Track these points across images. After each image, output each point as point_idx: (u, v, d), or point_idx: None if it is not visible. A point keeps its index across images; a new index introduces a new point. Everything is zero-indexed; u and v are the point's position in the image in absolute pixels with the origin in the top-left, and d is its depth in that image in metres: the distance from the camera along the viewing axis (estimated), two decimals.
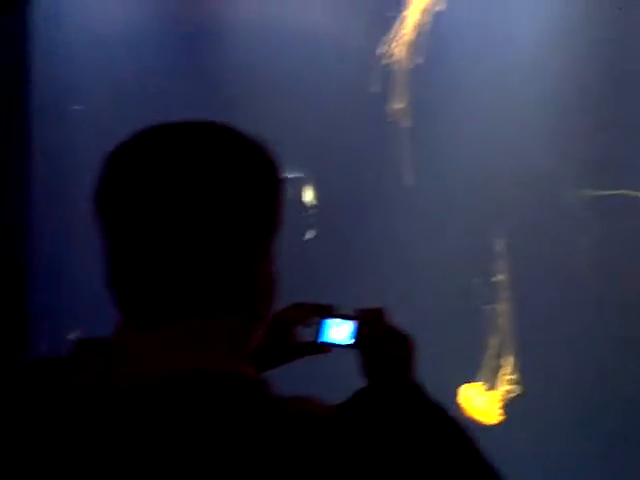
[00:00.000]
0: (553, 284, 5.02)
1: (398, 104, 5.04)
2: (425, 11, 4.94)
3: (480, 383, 4.96)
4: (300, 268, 5.10)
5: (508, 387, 4.93)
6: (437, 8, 4.92)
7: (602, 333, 4.99)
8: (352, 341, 1.59)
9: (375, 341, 1.57)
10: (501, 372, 4.97)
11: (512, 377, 4.93)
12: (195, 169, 1.15)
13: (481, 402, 4.90)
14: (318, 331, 1.66)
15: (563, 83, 5.04)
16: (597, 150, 5.09)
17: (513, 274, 4.98)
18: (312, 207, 5.57)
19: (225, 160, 1.17)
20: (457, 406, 4.85)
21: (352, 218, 5.25)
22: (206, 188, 1.14)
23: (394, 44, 5.01)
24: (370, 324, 1.59)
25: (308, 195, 5.59)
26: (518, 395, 4.90)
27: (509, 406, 4.91)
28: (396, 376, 1.52)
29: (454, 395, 4.90)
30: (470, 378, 4.97)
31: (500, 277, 4.99)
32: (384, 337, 1.57)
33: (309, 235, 5.45)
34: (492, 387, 4.96)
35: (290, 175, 5.57)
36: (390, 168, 5.08)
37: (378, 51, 5.00)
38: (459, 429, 1.41)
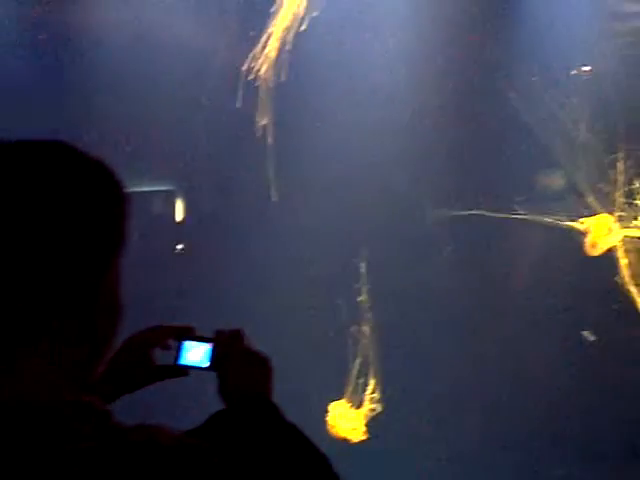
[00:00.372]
0: (413, 303, 5.11)
1: (263, 120, 5.03)
2: (289, 30, 4.96)
3: (346, 402, 4.97)
4: (165, 284, 5.00)
5: (372, 405, 4.96)
6: (301, 28, 4.96)
7: (461, 350, 5.13)
8: (208, 364, 1.54)
9: (231, 363, 1.53)
10: (365, 391, 5.00)
11: (375, 396, 4.97)
12: (29, 189, 1.08)
13: (347, 420, 4.92)
14: (176, 354, 1.59)
15: (422, 104, 5.19)
16: (453, 172, 5.25)
17: (374, 295, 5.04)
18: (181, 220, 5.49)
19: (60, 180, 1.11)
20: (325, 424, 4.84)
21: (219, 233, 5.20)
22: (41, 209, 1.08)
23: (259, 61, 5.00)
24: (226, 346, 1.55)
25: (177, 208, 5.51)
26: (380, 413, 4.95)
27: (372, 424, 4.95)
28: (252, 398, 1.48)
29: (321, 414, 4.90)
30: (336, 397, 4.98)
31: (363, 298, 5.03)
32: (241, 359, 1.53)
33: (178, 248, 5.37)
34: (357, 406, 4.98)
35: (159, 188, 5.47)
36: (256, 184, 5.07)
37: (243, 68, 4.98)
38: (314, 450, 1.40)
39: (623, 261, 5.06)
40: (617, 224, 5.02)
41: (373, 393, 4.97)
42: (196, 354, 1.56)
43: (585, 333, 5.36)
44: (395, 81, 5.15)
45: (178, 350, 1.59)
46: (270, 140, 5.01)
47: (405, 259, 5.21)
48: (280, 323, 4.88)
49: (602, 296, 5.24)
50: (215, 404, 1.48)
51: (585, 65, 5.28)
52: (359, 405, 4.98)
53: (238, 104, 4.90)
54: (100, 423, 1.08)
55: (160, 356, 1.64)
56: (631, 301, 5.12)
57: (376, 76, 5.16)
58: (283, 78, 4.96)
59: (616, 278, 5.07)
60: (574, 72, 5.27)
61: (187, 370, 1.59)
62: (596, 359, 5.30)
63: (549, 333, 5.27)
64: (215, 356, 1.54)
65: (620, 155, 5.08)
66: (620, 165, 5.06)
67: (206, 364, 1.55)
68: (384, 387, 4.95)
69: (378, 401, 4.95)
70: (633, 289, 5.13)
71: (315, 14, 4.94)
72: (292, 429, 1.41)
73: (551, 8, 5.34)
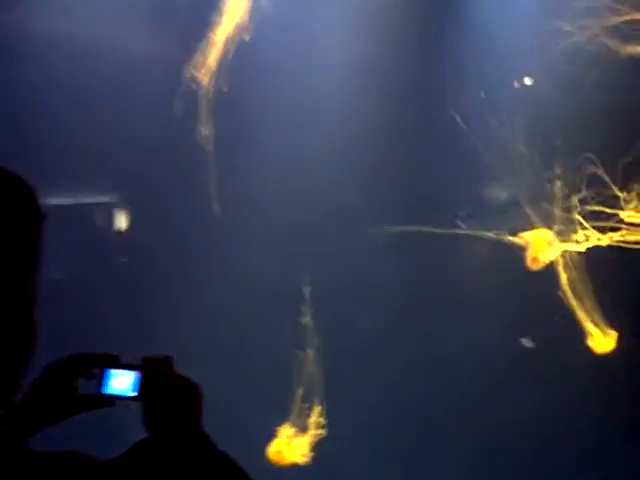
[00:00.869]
0: (357, 323, 5.05)
1: (205, 130, 4.94)
2: (231, 40, 4.89)
3: (290, 426, 4.89)
4: (103, 299, 4.87)
5: (317, 430, 4.89)
6: (245, 37, 4.88)
7: (406, 371, 5.09)
8: (135, 393, 1.47)
9: (158, 391, 1.46)
10: (310, 416, 4.92)
11: (320, 420, 4.90)
12: None
13: (291, 445, 4.84)
14: (100, 383, 1.51)
15: (366, 118, 5.16)
16: (397, 187, 5.24)
17: (319, 316, 4.95)
18: (123, 232, 5.37)
19: None
20: (269, 449, 4.76)
21: (160, 247, 5.09)
22: None
23: (201, 71, 4.92)
24: (154, 374, 1.48)
25: (119, 220, 5.40)
26: (325, 437, 4.87)
27: (317, 448, 4.87)
28: (181, 427, 1.41)
29: (267, 438, 4.81)
30: (282, 422, 4.88)
31: (307, 321, 4.94)
32: (169, 387, 1.46)
33: (120, 261, 5.24)
34: (302, 430, 4.90)
35: (100, 200, 5.35)
36: (198, 197, 4.97)
37: (185, 77, 4.89)
38: (246, 479, 1.35)
39: (564, 275, 5.11)
40: (557, 238, 5.07)
41: (318, 417, 4.90)
42: (122, 382, 1.49)
43: (523, 340, 5.39)
44: (340, 91, 5.13)
45: (102, 379, 1.52)
46: (212, 151, 4.92)
47: (349, 276, 5.16)
48: (224, 346, 4.80)
49: (545, 308, 5.27)
50: (139, 432, 1.41)
51: (525, 78, 5.35)
52: (304, 430, 4.90)
53: (179, 114, 4.82)
54: (14, 451, 1.03)
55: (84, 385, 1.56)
56: (572, 313, 5.17)
57: (317, 86, 5.13)
58: (225, 88, 4.88)
59: (558, 291, 5.11)
60: (516, 86, 5.33)
61: (113, 400, 1.52)
62: (540, 369, 5.33)
63: (493, 346, 5.29)
64: (142, 384, 1.47)
65: (558, 171, 5.14)
66: (558, 180, 5.11)
67: (133, 393, 1.48)
68: (329, 411, 4.88)
69: (323, 426, 4.88)
70: (574, 302, 5.18)
71: (258, 24, 4.87)
72: (222, 458, 1.35)
73: (494, 19, 5.40)
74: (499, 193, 5.37)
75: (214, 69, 4.90)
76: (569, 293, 5.17)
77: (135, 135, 4.88)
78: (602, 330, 5.27)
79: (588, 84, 5.34)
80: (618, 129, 5.25)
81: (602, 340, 5.28)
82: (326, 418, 4.83)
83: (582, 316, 5.23)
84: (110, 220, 5.35)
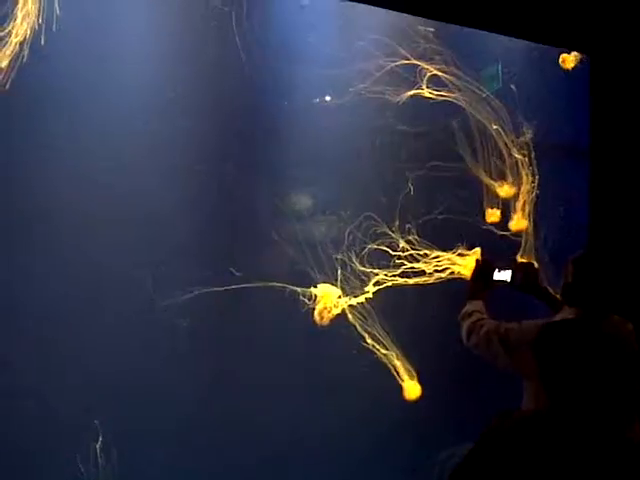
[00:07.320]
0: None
1: None
2: (24, 44, 4.54)
3: None
4: None
5: None
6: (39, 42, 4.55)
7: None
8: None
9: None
10: None
11: None
12: None
13: None
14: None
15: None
16: (178, 253, 5.07)
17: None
18: None
19: None
20: None
21: None
22: None
23: None
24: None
25: None
26: None
27: None
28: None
29: None
30: None
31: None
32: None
33: None
34: None
35: None
36: None
37: None
38: None
39: (357, 326, 5.06)
40: (344, 291, 5.02)
41: None
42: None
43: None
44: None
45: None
46: None
47: (145, 351, 4.93)
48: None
49: (349, 360, 5.21)
50: None
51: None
52: None
53: None
54: None
55: None
56: (377, 360, 5.13)
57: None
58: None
59: (355, 340, 5.06)
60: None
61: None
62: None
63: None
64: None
65: (346, 222, 5.15)
66: (345, 233, 5.11)
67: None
68: None
69: None
70: (377, 350, 5.15)
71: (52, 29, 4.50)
72: None
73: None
74: (287, 247, 5.27)
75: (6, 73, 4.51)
76: (370, 341, 5.13)
77: None
78: (409, 373, 5.27)
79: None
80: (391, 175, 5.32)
81: (410, 384, 5.27)
82: None
83: (387, 361, 5.21)
84: None
